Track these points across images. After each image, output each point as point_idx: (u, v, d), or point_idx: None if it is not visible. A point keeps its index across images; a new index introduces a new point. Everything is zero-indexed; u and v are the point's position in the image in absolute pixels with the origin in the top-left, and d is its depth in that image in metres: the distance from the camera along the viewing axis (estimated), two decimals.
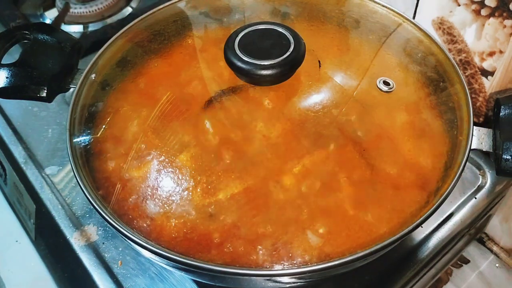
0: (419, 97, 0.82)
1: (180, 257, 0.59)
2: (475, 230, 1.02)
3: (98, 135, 0.80)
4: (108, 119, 0.82)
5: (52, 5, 1.25)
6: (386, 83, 0.80)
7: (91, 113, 0.80)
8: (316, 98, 0.83)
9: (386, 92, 0.80)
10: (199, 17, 0.95)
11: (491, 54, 0.86)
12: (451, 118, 0.75)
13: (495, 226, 1.08)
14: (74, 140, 0.74)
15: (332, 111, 0.81)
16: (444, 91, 0.79)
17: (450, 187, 0.64)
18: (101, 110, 0.83)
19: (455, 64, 0.77)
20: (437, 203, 0.63)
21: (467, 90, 0.73)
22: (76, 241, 0.82)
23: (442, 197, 0.64)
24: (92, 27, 1.19)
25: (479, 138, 0.68)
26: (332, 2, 0.92)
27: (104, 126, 0.81)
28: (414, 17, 0.95)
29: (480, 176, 0.90)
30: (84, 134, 0.78)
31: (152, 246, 0.61)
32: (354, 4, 0.91)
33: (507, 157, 0.64)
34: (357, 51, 0.88)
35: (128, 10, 1.23)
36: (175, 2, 0.91)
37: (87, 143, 0.78)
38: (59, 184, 0.89)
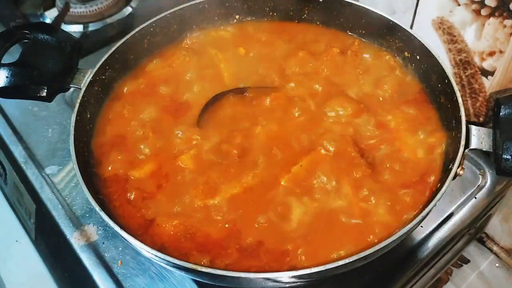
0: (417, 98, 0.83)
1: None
2: (475, 230, 1.02)
3: (100, 135, 0.80)
4: (110, 120, 0.82)
5: (52, 5, 1.25)
6: None
7: (93, 113, 0.81)
8: (316, 99, 0.83)
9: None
10: (199, 20, 0.95)
11: (491, 54, 0.86)
12: (449, 119, 0.75)
13: (495, 226, 1.08)
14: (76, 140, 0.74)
15: (332, 112, 0.81)
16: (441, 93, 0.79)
17: (444, 186, 0.64)
18: (103, 111, 0.83)
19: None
20: (432, 203, 0.63)
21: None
22: (76, 241, 0.81)
23: (437, 197, 0.63)
24: (92, 27, 1.19)
25: (479, 138, 0.68)
26: None
27: (105, 127, 0.81)
28: (414, 17, 0.95)
29: (480, 176, 0.90)
30: (86, 134, 0.78)
31: (152, 248, 0.61)
32: None
33: (507, 157, 0.64)
34: None
35: (128, 10, 1.23)
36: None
37: (89, 143, 0.78)
38: (59, 184, 0.89)
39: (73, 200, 0.87)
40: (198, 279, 0.75)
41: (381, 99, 0.82)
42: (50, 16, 1.23)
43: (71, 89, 0.80)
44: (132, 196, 0.71)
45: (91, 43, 1.12)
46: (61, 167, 0.91)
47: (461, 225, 0.84)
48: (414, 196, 0.70)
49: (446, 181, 0.64)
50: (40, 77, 0.74)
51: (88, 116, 0.79)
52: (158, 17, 0.89)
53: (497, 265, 1.09)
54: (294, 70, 0.87)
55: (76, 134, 0.72)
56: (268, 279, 0.59)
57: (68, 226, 0.83)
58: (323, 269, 0.57)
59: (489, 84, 0.89)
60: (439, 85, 0.79)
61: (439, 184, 0.70)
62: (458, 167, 0.66)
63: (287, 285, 0.66)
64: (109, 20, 1.21)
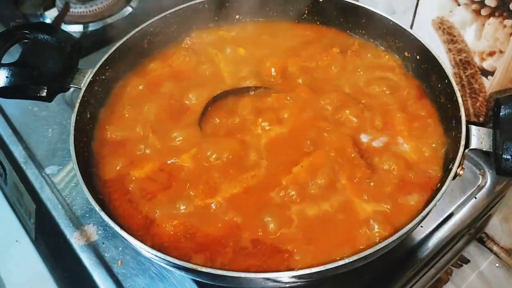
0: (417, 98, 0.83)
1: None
2: (475, 230, 1.02)
3: (100, 135, 0.80)
4: (110, 120, 0.82)
5: (52, 5, 1.25)
6: None
7: (93, 113, 0.81)
8: (316, 99, 0.83)
9: None
10: (199, 20, 0.95)
11: (491, 54, 0.86)
12: (449, 119, 0.75)
13: (495, 226, 1.08)
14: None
15: (332, 112, 0.81)
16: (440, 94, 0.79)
17: (444, 186, 0.64)
18: (103, 111, 0.83)
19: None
20: (432, 203, 0.63)
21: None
22: (76, 241, 0.81)
23: (437, 197, 0.63)
24: (92, 27, 1.19)
25: (479, 138, 0.68)
26: None
27: (106, 127, 0.81)
28: (414, 17, 0.95)
29: (480, 176, 0.90)
30: (87, 134, 0.78)
31: (152, 248, 0.61)
32: None
33: (507, 157, 0.64)
34: None
35: (128, 10, 1.23)
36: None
37: (89, 143, 0.78)
38: (59, 184, 0.89)
39: (73, 200, 0.87)
40: (198, 279, 0.75)
41: (381, 99, 0.82)
42: (50, 16, 1.23)
43: (71, 89, 0.80)
44: (132, 196, 0.71)
45: (91, 43, 1.12)
46: (61, 167, 0.91)
47: (461, 225, 0.84)
48: (414, 196, 0.70)
49: (446, 181, 0.64)
50: (40, 77, 0.74)
51: (88, 116, 0.79)
52: (158, 17, 0.89)
53: (497, 265, 1.09)
54: (294, 70, 0.87)
55: (76, 134, 0.71)
56: (268, 279, 0.59)
57: (68, 226, 0.83)
58: (323, 269, 0.57)
59: (489, 84, 0.89)
60: (439, 85, 0.79)
61: (439, 184, 0.70)
62: (458, 167, 0.66)
63: (287, 285, 0.66)
64: (109, 20, 1.21)
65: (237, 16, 0.97)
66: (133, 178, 0.73)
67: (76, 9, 1.20)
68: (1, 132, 0.98)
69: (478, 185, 0.89)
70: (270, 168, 0.73)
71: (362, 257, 0.58)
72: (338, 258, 0.60)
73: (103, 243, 0.81)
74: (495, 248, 1.10)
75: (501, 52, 0.84)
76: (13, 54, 0.76)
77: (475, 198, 0.87)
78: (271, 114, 0.80)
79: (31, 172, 0.91)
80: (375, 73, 0.87)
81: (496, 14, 0.81)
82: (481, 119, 0.94)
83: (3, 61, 0.74)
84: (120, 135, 0.79)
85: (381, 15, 0.87)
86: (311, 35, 0.94)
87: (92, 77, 0.78)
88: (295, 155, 0.74)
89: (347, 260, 0.58)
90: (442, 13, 0.89)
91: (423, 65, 0.83)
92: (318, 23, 0.96)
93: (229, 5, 0.95)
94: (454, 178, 0.65)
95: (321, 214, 0.68)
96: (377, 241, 0.65)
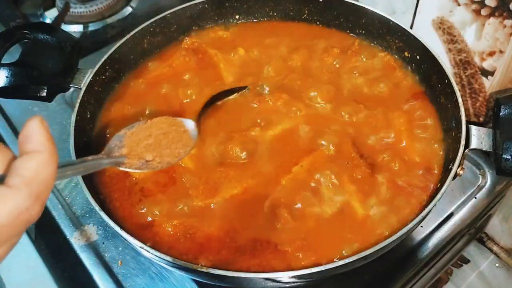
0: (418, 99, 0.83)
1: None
2: (475, 230, 1.02)
3: (100, 135, 0.80)
4: (110, 120, 0.82)
5: (52, 5, 1.25)
6: None
7: (93, 113, 0.81)
8: (315, 99, 0.83)
9: None
10: (199, 20, 0.95)
11: (491, 54, 0.86)
12: (449, 119, 0.75)
13: (495, 226, 1.08)
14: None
15: (332, 112, 0.81)
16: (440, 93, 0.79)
17: (444, 186, 0.64)
18: (103, 111, 0.83)
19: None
20: (432, 203, 0.63)
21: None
22: (76, 240, 0.81)
23: (437, 197, 0.63)
24: (92, 27, 1.19)
25: (479, 138, 0.68)
26: None
27: (105, 127, 0.81)
28: (414, 17, 0.95)
29: (480, 176, 0.90)
30: (86, 134, 0.78)
31: (152, 248, 0.61)
32: None
33: (507, 157, 0.64)
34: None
35: (128, 10, 1.23)
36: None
37: (89, 143, 0.78)
38: (59, 184, 0.89)
39: (73, 200, 0.87)
40: (198, 279, 0.75)
41: (381, 99, 0.82)
42: (50, 16, 1.23)
43: (71, 89, 0.80)
44: (132, 196, 0.71)
45: (91, 43, 1.12)
46: None
47: (461, 225, 0.84)
48: (413, 196, 0.70)
49: (446, 181, 0.64)
50: (40, 77, 0.74)
51: (88, 116, 0.79)
52: (158, 17, 0.89)
53: (497, 265, 1.09)
54: (294, 70, 0.87)
55: (76, 134, 0.72)
56: (268, 279, 0.59)
57: (68, 226, 0.83)
58: (323, 269, 0.57)
59: (489, 84, 0.89)
60: (439, 85, 0.79)
61: (439, 184, 0.70)
62: (458, 167, 0.66)
63: (287, 285, 0.66)
64: (109, 20, 1.21)
65: (237, 16, 0.97)
66: (133, 178, 0.73)
67: (76, 9, 1.20)
68: (1, 132, 0.98)
69: (478, 185, 0.89)
70: (269, 168, 0.73)
71: (362, 257, 0.58)
72: (338, 258, 0.60)
73: (103, 243, 0.81)
74: (495, 248, 1.10)
75: (501, 52, 0.84)
76: (13, 54, 0.76)
77: (475, 198, 0.87)
78: (270, 114, 0.80)
79: None
80: (375, 73, 0.87)
81: (496, 14, 0.81)
82: (481, 119, 0.94)
83: (3, 61, 0.74)
84: None
85: (381, 15, 0.87)
86: (311, 35, 0.94)
87: (92, 77, 0.78)
88: (295, 155, 0.74)
89: (347, 260, 0.58)
90: (442, 13, 0.89)
91: (423, 65, 0.83)
92: (318, 23, 0.96)
93: (229, 5, 0.95)
94: (454, 178, 0.65)
95: (320, 214, 0.68)
96: (377, 241, 0.64)
